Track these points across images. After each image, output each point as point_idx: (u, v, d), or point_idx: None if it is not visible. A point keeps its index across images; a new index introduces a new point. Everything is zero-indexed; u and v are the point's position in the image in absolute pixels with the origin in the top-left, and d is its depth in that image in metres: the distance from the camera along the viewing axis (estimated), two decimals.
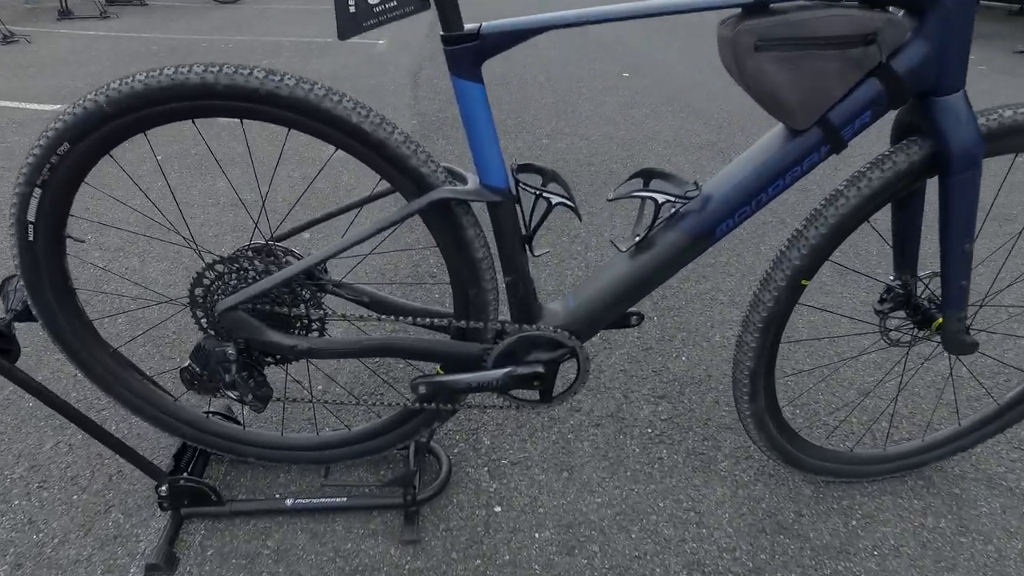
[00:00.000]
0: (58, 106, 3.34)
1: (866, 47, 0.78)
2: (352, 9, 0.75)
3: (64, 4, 6.44)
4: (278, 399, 1.04)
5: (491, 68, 4.18)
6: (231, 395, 0.96)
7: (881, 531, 1.14)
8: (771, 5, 0.78)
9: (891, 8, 0.80)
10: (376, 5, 0.76)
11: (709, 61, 4.79)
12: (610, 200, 0.90)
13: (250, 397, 0.95)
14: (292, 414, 1.37)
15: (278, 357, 1.00)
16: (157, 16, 6.75)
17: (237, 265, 0.93)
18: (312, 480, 1.22)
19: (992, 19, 6.62)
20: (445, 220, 0.88)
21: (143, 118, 0.80)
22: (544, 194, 0.86)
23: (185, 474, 1.12)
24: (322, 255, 0.88)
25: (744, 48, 0.78)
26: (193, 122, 0.84)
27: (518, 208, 0.90)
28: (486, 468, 1.26)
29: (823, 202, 0.91)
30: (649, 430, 1.36)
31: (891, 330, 1.08)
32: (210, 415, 1.17)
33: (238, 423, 1.22)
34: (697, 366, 1.56)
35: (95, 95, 0.78)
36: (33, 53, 4.70)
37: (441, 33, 0.79)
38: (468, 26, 0.79)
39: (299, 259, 0.95)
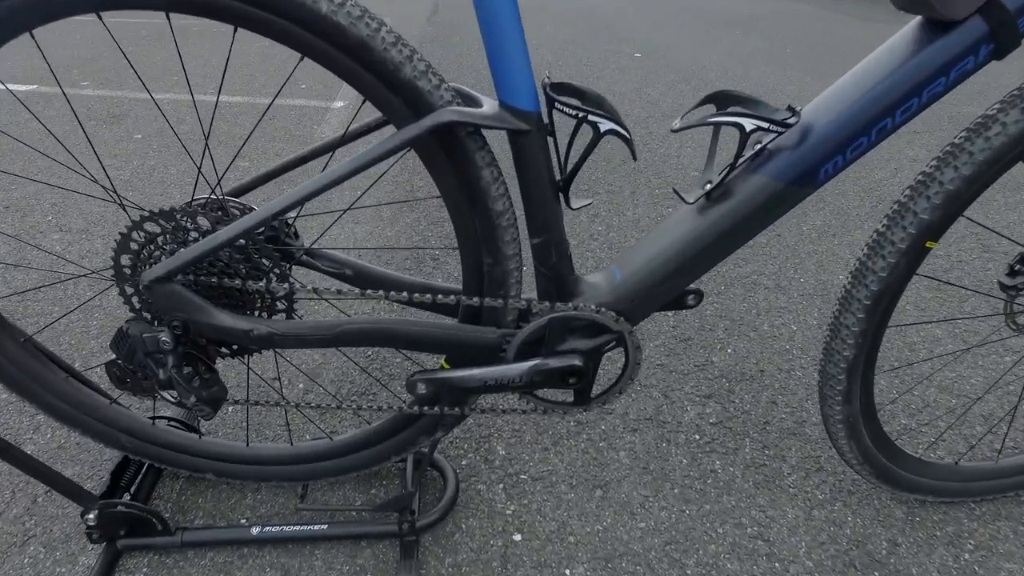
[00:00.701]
0: (34, 87, 3.11)
1: None
2: None
3: None
4: (237, 401, 0.81)
5: None
6: (168, 397, 0.72)
7: (1005, 568, 0.90)
8: None
9: None
10: None
11: (721, 45, 4.56)
12: (675, 131, 0.66)
13: (193, 399, 0.71)
14: (266, 419, 1.13)
15: (234, 347, 0.77)
16: None
17: (174, 223, 0.69)
18: (286, 502, 0.98)
19: None
20: (451, 155, 0.64)
21: (24, 7, 0.56)
22: (590, 117, 0.62)
23: (127, 496, 0.89)
24: (280, 205, 0.64)
25: None
26: (99, 16, 0.61)
27: (550, 142, 0.66)
28: (501, 485, 1.02)
29: (965, 134, 0.67)
30: (697, 436, 1.13)
31: (1021, 312, 0.84)
32: (168, 421, 0.94)
33: (195, 431, 0.98)
34: (746, 360, 1.32)
35: None
36: None
37: None
38: None
39: None
